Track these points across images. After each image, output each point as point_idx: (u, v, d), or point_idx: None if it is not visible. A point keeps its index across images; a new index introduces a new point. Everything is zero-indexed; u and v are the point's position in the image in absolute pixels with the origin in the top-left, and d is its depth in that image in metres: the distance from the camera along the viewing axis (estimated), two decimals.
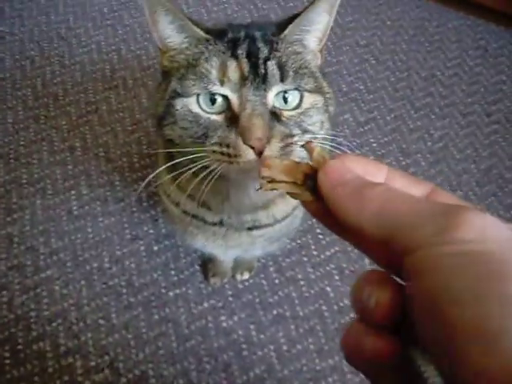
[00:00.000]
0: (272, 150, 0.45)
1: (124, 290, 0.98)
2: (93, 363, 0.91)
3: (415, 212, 0.23)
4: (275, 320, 0.98)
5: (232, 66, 0.47)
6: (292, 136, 0.47)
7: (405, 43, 1.45)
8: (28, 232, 1.04)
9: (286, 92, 0.48)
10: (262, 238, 0.68)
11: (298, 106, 0.49)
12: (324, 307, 1.00)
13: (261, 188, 0.31)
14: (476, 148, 1.27)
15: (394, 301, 0.23)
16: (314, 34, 0.53)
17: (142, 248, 1.03)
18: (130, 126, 1.19)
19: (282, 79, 0.48)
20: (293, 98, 0.49)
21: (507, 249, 0.20)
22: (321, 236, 1.08)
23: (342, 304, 1.00)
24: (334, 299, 1.01)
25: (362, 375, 0.84)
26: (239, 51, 0.48)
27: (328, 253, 1.06)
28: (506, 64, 1.45)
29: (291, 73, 0.48)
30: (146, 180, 0.58)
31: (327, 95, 0.53)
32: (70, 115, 1.20)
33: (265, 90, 0.47)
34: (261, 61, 0.47)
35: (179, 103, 0.49)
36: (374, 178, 0.27)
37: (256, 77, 0.46)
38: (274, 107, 0.48)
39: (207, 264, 1.00)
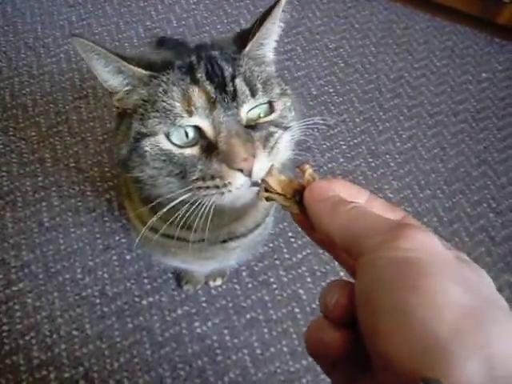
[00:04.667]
0: (261, 161, 0.44)
1: (97, 300, 0.99)
2: (67, 375, 0.91)
3: (372, 226, 0.28)
4: (249, 324, 0.99)
5: (195, 92, 0.44)
6: (272, 134, 0.47)
7: (373, 46, 1.48)
8: None
9: (257, 106, 0.48)
10: (239, 248, 0.67)
11: (271, 112, 0.49)
12: (297, 309, 1.01)
13: (258, 194, 0.37)
14: (443, 147, 1.30)
15: (350, 302, 0.28)
16: (271, 44, 0.53)
17: (115, 257, 1.03)
18: (101, 136, 1.19)
19: (253, 94, 0.47)
20: (264, 108, 0.48)
21: (433, 258, 0.25)
22: (292, 239, 1.09)
23: (314, 306, 1.02)
24: (306, 301, 1.03)
25: None
26: (198, 74, 0.46)
27: (300, 256, 1.08)
28: (472, 64, 1.49)
29: (260, 86, 0.48)
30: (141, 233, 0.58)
31: (291, 95, 0.54)
32: (39, 126, 1.19)
33: (236, 107, 0.45)
34: (227, 78, 0.46)
35: (147, 143, 0.46)
36: (355, 201, 0.32)
37: (225, 96, 0.45)
38: (248, 121, 0.47)
39: (180, 272, 1.01)
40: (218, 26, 1.43)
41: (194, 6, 1.47)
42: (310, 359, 0.96)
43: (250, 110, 0.47)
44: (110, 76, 0.48)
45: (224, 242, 0.64)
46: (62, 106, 1.23)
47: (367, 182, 1.20)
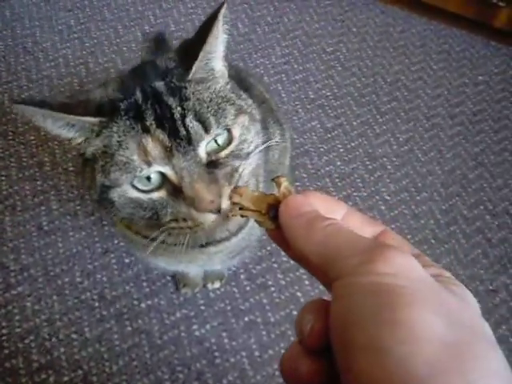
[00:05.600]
0: (227, 198, 0.44)
1: (96, 304, 0.99)
2: (66, 378, 0.92)
3: (349, 245, 0.26)
4: (247, 326, 1.00)
5: (149, 142, 0.43)
6: (236, 169, 0.47)
7: (370, 49, 1.49)
8: None
9: (214, 138, 0.46)
10: (221, 253, 0.67)
11: (230, 140, 0.47)
12: (295, 312, 1.02)
13: (231, 212, 0.35)
14: (440, 150, 1.31)
15: (327, 327, 0.26)
16: (218, 56, 0.50)
17: (114, 261, 1.04)
18: None
19: (207, 130, 0.44)
20: (221, 137, 0.47)
21: (412, 284, 0.23)
22: None
23: None
24: (304, 303, 1.03)
25: None
26: (148, 122, 0.44)
27: None
28: (469, 67, 1.50)
29: (212, 119, 0.45)
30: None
31: (248, 108, 0.51)
32: (38, 130, 1.20)
33: (193, 149, 0.44)
34: (178, 122, 0.44)
35: (114, 194, 0.46)
36: (333, 215, 0.31)
37: (180, 141, 0.43)
38: (209, 156, 0.46)
39: (178, 275, 1.01)
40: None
41: (191, 11, 1.48)
42: None
43: (207, 144, 0.45)
44: (63, 131, 0.47)
45: (202, 246, 0.63)
46: None
47: (364, 185, 1.21)
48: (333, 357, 0.25)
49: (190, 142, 0.44)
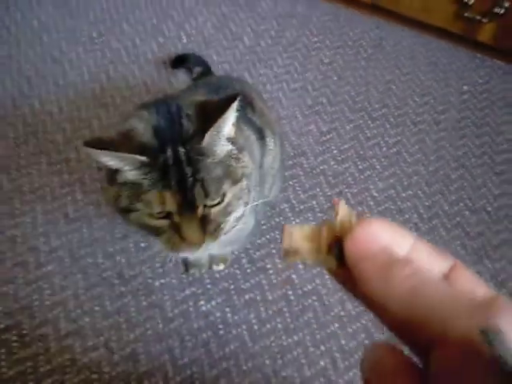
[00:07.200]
0: (209, 242, 0.64)
1: (116, 281, 1.13)
2: (90, 343, 1.05)
3: (448, 303, 0.22)
4: (247, 303, 1.13)
5: (168, 198, 0.59)
6: (220, 224, 0.65)
7: (364, 61, 1.63)
8: (30, 233, 1.18)
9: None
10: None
11: (222, 200, 0.63)
12: (290, 292, 1.15)
13: (285, 261, 0.30)
14: (425, 152, 1.45)
15: None
16: (226, 130, 0.63)
17: (131, 245, 1.18)
18: None
19: (206, 196, 0.60)
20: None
21: None
22: None
23: (305, 289, 1.16)
24: (298, 285, 1.17)
25: (322, 348, 1.00)
26: (172, 182, 0.58)
27: None
28: (454, 78, 1.63)
29: (213, 189, 0.60)
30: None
31: (243, 170, 0.66)
32: (65, 130, 1.35)
33: (194, 208, 0.60)
34: (189, 189, 0.59)
35: (131, 216, 0.62)
36: (401, 246, 0.27)
37: (186, 201, 0.59)
38: (204, 211, 0.62)
39: (187, 258, 1.15)
40: (224, 43, 1.59)
41: (202, 25, 1.63)
42: (301, 335, 1.10)
43: (207, 204, 0.62)
44: (114, 162, 0.60)
45: None
46: (85, 113, 1.39)
47: (355, 182, 1.35)
48: None
49: (193, 202, 0.60)
